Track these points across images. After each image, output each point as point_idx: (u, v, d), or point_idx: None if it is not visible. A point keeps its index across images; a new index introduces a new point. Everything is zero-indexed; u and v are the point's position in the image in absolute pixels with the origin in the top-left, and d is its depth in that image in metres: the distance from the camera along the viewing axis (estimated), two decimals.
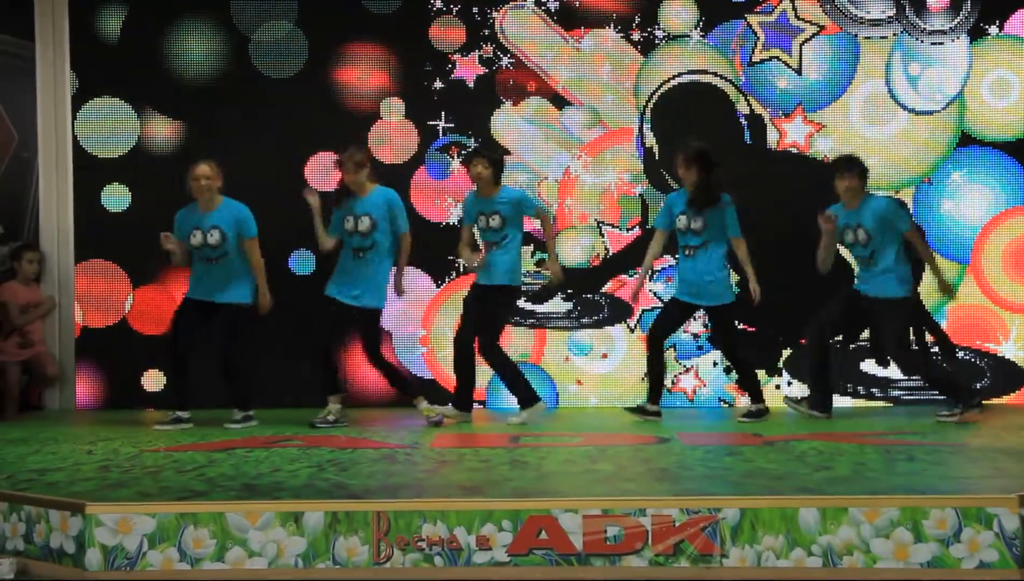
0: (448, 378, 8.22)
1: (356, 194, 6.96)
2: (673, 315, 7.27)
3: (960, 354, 7.98)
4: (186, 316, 7.01)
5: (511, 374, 7.16)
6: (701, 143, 7.11)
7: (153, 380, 8.24)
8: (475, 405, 7.42)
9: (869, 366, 8.04)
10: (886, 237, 6.94)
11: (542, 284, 8.10)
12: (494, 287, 7.13)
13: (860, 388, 8.10)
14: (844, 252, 7.43)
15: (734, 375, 8.10)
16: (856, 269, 7.30)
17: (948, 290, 7.20)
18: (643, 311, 8.18)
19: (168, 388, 7.07)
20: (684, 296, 7.16)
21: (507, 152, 7.19)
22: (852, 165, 7.03)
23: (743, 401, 8.13)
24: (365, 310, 6.95)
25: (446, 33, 8.27)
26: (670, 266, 8.11)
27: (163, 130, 8.29)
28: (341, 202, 6.99)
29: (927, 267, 7.20)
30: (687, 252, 7.12)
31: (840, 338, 7.61)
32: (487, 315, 7.14)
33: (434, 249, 8.07)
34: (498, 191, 7.14)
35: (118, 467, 5.29)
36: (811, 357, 7.21)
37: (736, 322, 7.47)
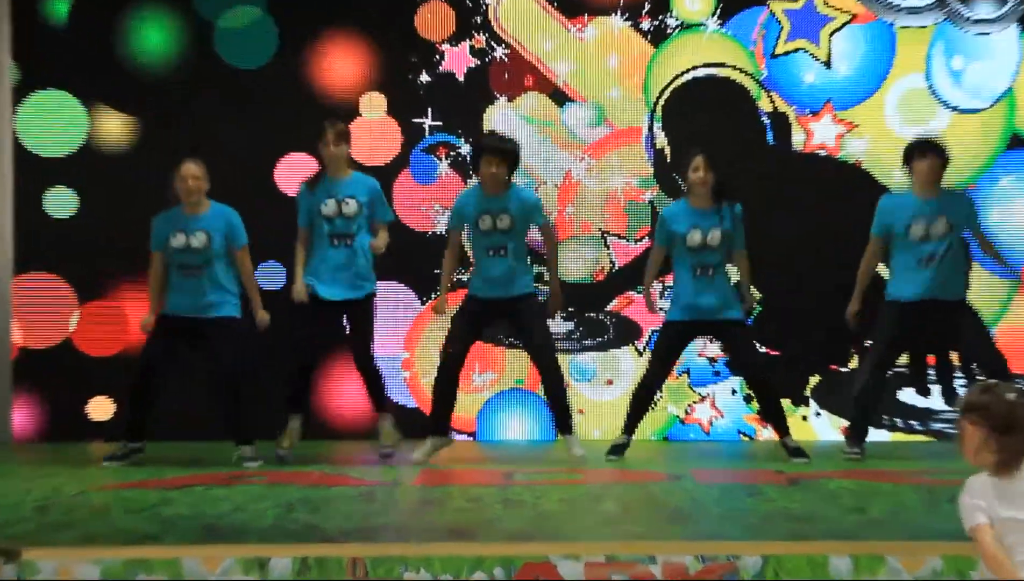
0: None
1: (335, 175, 6.88)
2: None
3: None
4: (163, 337, 6.79)
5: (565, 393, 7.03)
6: None
7: (100, 408, 8.21)
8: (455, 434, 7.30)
9: (908, 396, 8.01)
10: (961, 234, 6.96)
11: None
12: (525, 297, 6.86)
13: (898, 420, 8.09)
14: None
15: (755, 405, 8.06)
16: (896, 272, 6.98)
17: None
18: (652, 331, 8.17)
19: (124, 415, 6.95)
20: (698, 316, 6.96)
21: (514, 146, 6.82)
22: (938, 147, 6.93)
23: (765, 434, 8.11)
24: (368, 297, 6.92)
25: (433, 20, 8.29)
26: None
27: (115, 127, 8.29)
28: (316, 185, 6.86)
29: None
30: (701, 272, 6.88)
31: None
32: (542, 329, 6.91)
33: (418, 261, 8.06)
34: (508, 190, 6.86)
35: (60, 506, 5.26)
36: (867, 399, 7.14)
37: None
